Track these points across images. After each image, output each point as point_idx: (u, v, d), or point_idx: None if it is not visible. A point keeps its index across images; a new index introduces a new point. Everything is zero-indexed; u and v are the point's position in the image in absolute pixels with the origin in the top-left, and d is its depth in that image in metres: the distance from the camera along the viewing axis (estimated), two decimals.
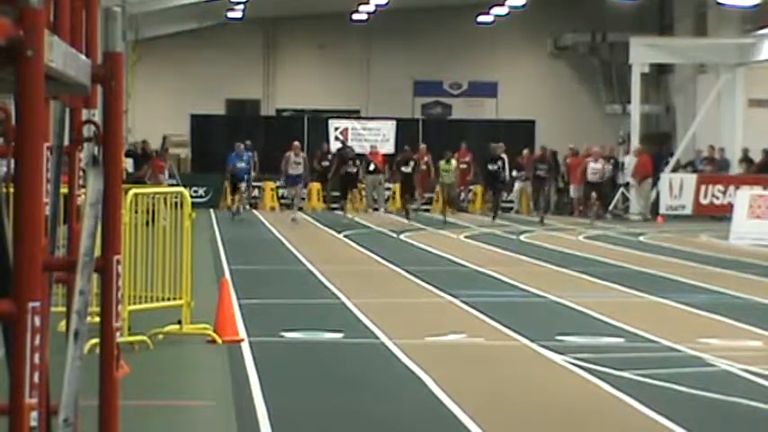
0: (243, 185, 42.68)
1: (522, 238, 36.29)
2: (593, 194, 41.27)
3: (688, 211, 44.58)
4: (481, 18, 55.95)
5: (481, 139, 50.35)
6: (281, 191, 48.01)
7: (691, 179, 45.96)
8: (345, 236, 33.47)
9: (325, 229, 36.33)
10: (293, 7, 54.31)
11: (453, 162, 42.70)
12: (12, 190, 4.28)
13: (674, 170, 46.72)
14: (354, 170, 44.30)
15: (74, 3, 4.91)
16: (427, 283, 23.60)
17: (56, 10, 4.63)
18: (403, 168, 42.92)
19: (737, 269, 26.63)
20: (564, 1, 53.13)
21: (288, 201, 45.07)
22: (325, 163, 47.32)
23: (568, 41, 57.84)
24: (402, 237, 35.32)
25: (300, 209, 42.57)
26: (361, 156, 47.10)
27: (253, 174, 45.70)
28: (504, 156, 43.42)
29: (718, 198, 44.63)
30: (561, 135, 54.18)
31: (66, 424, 4.61)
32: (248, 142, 45.50)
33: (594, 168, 40.80)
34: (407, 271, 25.66)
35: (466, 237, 35.04)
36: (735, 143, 45.08)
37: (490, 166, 41.87)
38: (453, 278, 24.15)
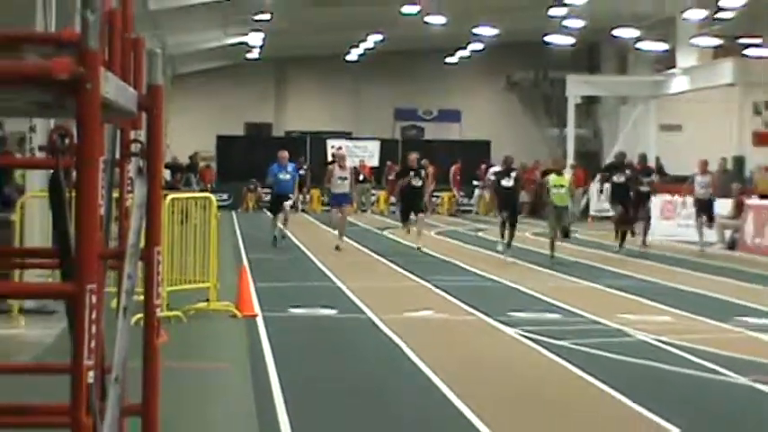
0: (288, 204, 28.17)
1: (479, 234, 36.32)
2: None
3: (612, 213, 44.52)
4: (448, 59, 56.00)
5: (448, 155, 50.46)
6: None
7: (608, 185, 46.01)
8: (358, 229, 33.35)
9: (323, 226, 36.25)
10: (298, 50, 54.36)
11: (567, 176, 28.34)
12: (74, 194, 4.27)
13: (602, 181, 46.72)
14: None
15: (124, 45, 4.90)
16: (404, 269, 23.58)
17: (110, 50, 4.62)
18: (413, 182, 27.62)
19: (651, 260, 26.70)
20: (514, 46, 53.05)
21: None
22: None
23: (517, 78, 57.97)
24: (385, 233, 35.30)
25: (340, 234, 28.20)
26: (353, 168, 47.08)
27: (297, 194, 31.39)
28: (516, 169, 29.54)
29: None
30: (511, 153, 54.15)
31: (116, 381, 4.60)
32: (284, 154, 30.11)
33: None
34: (389, 260, 25.64)
35: (436, 233, 35.01)
36: (649, 160, 45.08)
37: (504, 182, 26.91)
38: (425, 266, 24.11)
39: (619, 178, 28.55)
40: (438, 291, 20.01)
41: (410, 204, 27.15)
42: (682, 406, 10.82)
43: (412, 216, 27.13)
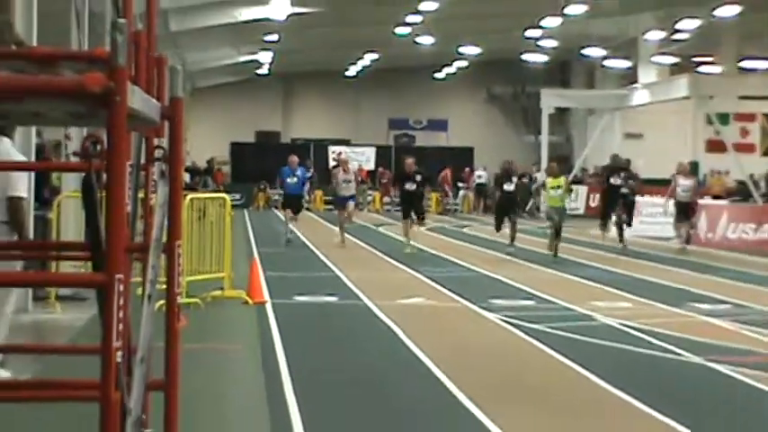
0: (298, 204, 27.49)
1: (464, 230, 36.32)
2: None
3: (581, 211, 44.57)
4: (436, 75, 56.10)
5: (437, 160, 50.46)
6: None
7: (583, 189, 46.07)
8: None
9: (326, 223, 36.24)
10: (303, 67, 54.39)
11: (563, 179, 25.78)
12: (104, 194, 4.27)
13: (572, 183, 46.76)
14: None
15: (149, 62, 4.90)
16: (397, 261, 23.59)
17: (136, 67, 4.63)
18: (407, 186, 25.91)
19: (613, 252, 26.67)
20: (495, 63, 53.09)
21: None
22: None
23: (498, 92, 58.03)
24: (380, 229, 35.30)
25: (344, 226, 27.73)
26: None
27: (306, 196, 32.94)
28: (517, 174, 27.66)
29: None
30: (492, 158, 54.14)
31: (141, 360, 4.60)
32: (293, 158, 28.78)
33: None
34: (383, 253, 25.65)
35: (426, 229, 35.01)
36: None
37: (506, 187, 25.55)
38: (416, 259, 24.11)
39: (615, 181, 27.37)
40: (427, 280, 20.00)
41: (409, 206, 25.91)
42: (643, 382, 10.83)
43: (412, 215, 25.96)
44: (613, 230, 27.78)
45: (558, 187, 24.53)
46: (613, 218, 27.54)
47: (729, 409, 9.92)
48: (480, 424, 9.10)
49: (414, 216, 25.76)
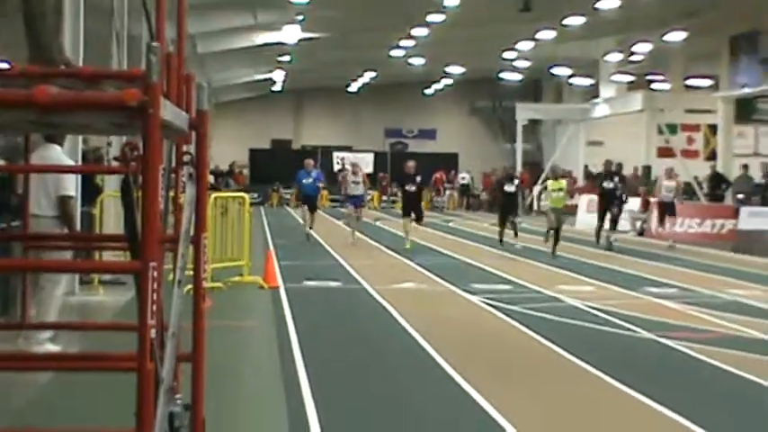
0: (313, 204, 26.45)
1: (450, 224, 36.33)
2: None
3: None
4: (426, 91, 56.07)
5: (427, 165, 50.31)
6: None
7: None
8: (344, 223, 33.34)
9: (331, 218, 36.22)
10: (311, 83, 54.38)
11: (563, 182, 23.89)
12: (140, 194, 4.27)
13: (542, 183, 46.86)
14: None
15: (179, 79, 4.90)
16: (392, 251, 23.60)
17: (168, 84, 4.62)
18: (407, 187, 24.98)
19: (578, 243, 26.69)
20: (476, 81, 53.12)
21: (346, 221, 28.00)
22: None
23: (479, 105, 57.97)
24: (377, 223, 35.28)
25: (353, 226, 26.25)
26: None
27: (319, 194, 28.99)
28: (517, 176, 28.43)
29: (568, 201, 44.64)
30: (474, 163, 54.59)
31: (172, 336, 4.60)
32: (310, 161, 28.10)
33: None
34: (380, 244, 25.64)
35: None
36: (579, 168, 45.05)
37: (507, 188, 24.71)
38: (410, 250, 24.06)
39: (608, 185, 25.44)
40: (418, 268, 20.01)
41: (409, 206, 24.64)
42: (601, 354, 10.85)
43: (412, 214, 24.62)
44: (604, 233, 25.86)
45: (560, 189, 23.02)
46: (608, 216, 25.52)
47: (675, 377, 9.93)
48: (447, 373, 9.39)
49: (413, 215, 24.73)
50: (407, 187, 24.84)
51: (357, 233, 25.93)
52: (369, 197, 49.85)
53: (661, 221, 27.19)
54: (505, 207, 24.94)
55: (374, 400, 8.70)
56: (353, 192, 26.23)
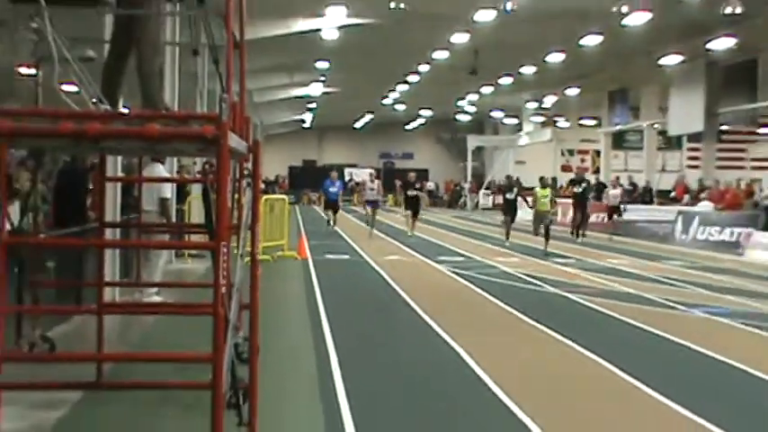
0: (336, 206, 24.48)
1: (423, 217, 36.14)
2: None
3: (489, 205, 44.59)
4: (407, 127, 55.89)
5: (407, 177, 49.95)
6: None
7: (489, 193, 46.09)
8: (354, 216, 33.26)
9: (344, 213, 36.08)
10: (330, 122, 54.14)
11: (549, 190, 19.37)
12: (215, 196, 4.26)
13: (486, 189, 46.89)
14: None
15: (241, 119, 4.89)
16: (385, 235, 23.55)
17: (233, 122, 4.62)
18: (408, 192, 23.47)
19: (516, 230, 26.61)
20: (440, 120, 53.00)
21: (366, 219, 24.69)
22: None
23: (442, 137, 57.58)
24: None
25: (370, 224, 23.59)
26: (358, 183, 46.69)
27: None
28: (517, 185, 24.83)
29: (501, 200, 44.62)
30: (439, 175, 54.52)
31: (236, 291, 4.60)
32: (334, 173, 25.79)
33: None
34: (378, 231, 25.62)
35: (402, 215, 34.92)
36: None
37: (507, 195, 21.37)
38: (396, 234, 24.03)
39: (578, 189, 22.85)
40: (402, 246, 20.00)
41: (409, 205, 22.87)
42: (520, 301, 10.86)
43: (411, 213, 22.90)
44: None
45: (546, 197, 19.43)
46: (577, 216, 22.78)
47: (569, 316, 9.95)
48: (420, 316, 9.23)
49: (412, 214, 23.04)
50: (409, 192, 23.60)
51: (374, 231, 24.31)
52: (384, 200, 49.40)
53: (610, 218, 24.76)
54: (505, 210, 21.71)
55: (368, 319, 8.86)
56: (370, 197, 24.25)
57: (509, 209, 21.48)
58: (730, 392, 6.48)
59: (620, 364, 7.21)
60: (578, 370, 7.16)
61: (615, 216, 24.52)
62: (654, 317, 10.00)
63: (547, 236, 18.74)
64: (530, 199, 19.76)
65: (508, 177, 22.35)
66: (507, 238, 20.59)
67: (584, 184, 23.16)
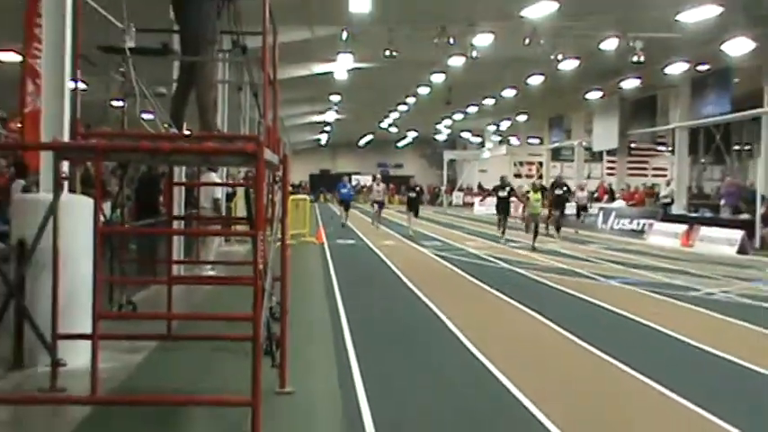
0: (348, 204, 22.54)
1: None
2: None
3: (461, 203, 44.49)
4: (398, 144, 55.60)
5: (399, 183, 49.83)
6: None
7: (460, 193, 45.92)
8: (358, 212, 33.14)
9: (353, 211, 35.86)
10: (340, 140, 53.75)
11: (539, 194, 17.11)
12: (254, 196, 4.27)
13: (459, 190, 46.75)
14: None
15: (274, 139, 4.91)
16: (383, 226, 23.40)
17: (269, 140, 4.64)
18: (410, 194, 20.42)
19: (478, 222, 26.51)
20: (423, 140, 52.76)
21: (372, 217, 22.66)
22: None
23: (425, 152, 57.11)
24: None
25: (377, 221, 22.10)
26: (364, 186, 46.51)
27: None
28: (510, 184, 18.65)
29: (469, 198, 44.54)
30: (422, 181, 53.53)
31: (270, 267, 4.63)
32: (345, 178, 23.82)
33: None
34: (380, 225, 25.50)
35: (397, 211, 34.80)
36: (475, 184, 44.81)
37: (500, 193, 17.84)
38: (391, 226, 23.90)
39: (558, 192, 20.07)
40: (395, 234, 19.95)
41: (410, 205, 20.34)
42: (479, 274, 10.87)
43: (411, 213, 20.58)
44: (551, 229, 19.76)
45: (538, 200, 17.07)
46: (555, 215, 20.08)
47: (521, 286, 9.97)
48: (409, 287, 9.18)
49: (412, 212, 20.74)
50: (410, 194, 21.40)
51: (380, 226, 22.98)
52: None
53: (578, 216, 23.21)
54: (499, 207, 18.46)
55: (368, 287, 8.83)
56: (376, 198, 22.62)
57: (502, 206, 18.40)
58: (633, 339, 6.69)
59: (554, 320, 7.33)
60: (513, 317, 7.28)
61: (582, 213, 23.47)
62: (581, 286, 10.05)
63: (536, 233, 16.64)
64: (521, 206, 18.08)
65: (502, 178, 19.40)
66: (503, 235, 17.16)
67: (564, 188, 20.88)
